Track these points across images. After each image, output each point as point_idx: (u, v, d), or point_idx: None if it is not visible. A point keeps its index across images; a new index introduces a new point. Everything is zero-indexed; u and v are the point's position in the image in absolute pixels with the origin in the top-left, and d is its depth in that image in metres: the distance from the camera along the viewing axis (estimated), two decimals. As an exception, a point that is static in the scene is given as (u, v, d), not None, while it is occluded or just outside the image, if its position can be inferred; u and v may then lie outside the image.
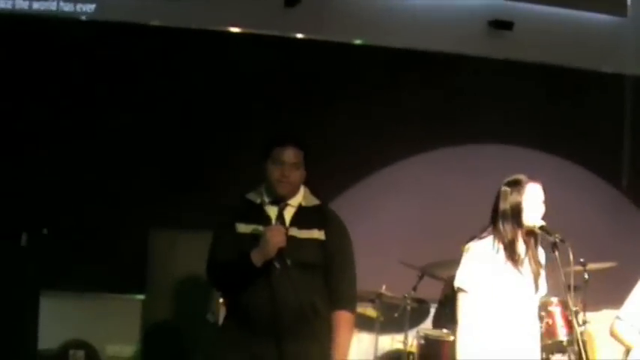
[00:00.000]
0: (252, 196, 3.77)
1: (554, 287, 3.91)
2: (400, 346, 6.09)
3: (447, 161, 6.86)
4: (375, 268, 6.24)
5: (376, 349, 6.00)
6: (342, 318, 3.73)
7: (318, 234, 3.71)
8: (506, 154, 7.02)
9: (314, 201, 3.82)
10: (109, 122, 6.08)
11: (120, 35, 6.15)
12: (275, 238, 3.54)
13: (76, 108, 6.10)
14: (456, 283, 3.86)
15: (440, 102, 6.88)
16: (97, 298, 5.97)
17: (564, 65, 7.20)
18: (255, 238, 3.60)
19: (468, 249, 3.89)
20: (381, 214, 6.64)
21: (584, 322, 5.58)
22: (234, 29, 6.44)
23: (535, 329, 3.88)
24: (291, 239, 3.60)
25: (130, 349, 5.93)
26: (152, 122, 6.21)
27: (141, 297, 5.99)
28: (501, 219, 3.82)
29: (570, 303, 3.53)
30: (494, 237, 3.82)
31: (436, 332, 5.76)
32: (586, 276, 5.55)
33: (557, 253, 3.65)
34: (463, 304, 3.82)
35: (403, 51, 6.79)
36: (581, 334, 5.38)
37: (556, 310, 5.28)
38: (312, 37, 6.60)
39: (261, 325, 3.60)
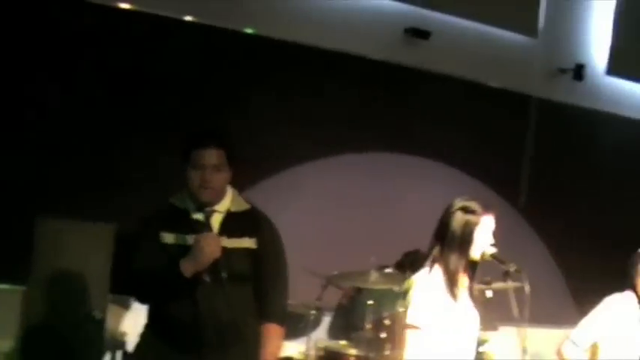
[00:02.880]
0: (177, 201, 3.47)
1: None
2: (292, 354, 5.94)
3: (355, 168, 6.68)
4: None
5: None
6: (273, 331, 3.52)
7: (248, 242, 3.46)
8: (411, 164, 6.95)
9: (243, 205, 3.54)
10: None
11: None
12: (209, 248, 3.26)
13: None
14: (408, 320, 3.65)
15: (349, 106, 6.71)
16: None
17: (474, 80, 7.19)
18: (182, 248, 3.31)
19: (415, 282, 3.67)
20: (281, 218, 6.38)
21: (484, 342, 5.57)
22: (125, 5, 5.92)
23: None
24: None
25: (6, 343, 5.47)
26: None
27: (22, 288, 5.53)
28: (448, 247, 3.62)
29: (522, 332, 3.39)
30: (439, 266, 3.63)
31: (336, 344, 5.61)
32: (489, 294, 5.51)
33: (509, 281, 3.52)
34: (414, 341, 3.63)
35: (316, 50, 6.56)
36: (482, 353, 5.40)
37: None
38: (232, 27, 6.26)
39: (187, 341, 3.33)
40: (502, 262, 3.57)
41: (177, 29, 6.01)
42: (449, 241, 3.61)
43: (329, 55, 6.58)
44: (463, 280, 3.66)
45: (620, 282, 4.65)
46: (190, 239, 3.32)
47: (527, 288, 3.41)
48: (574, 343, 4.35)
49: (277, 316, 3.56)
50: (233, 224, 3.45)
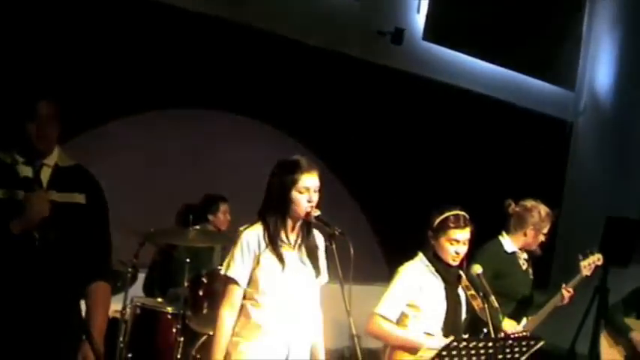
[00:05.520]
0: (1, 155, 3.31)
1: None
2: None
3: (173, 124, 6.56)
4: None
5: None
6: (103, 289, 3.43)
7: (79, 197, 3.36)
8: (230, 122, 6.91)
9: (70, 161, 3.43)
10: None
11: None
12: (37, 207, 3.16)
13: None
14: (225, 272, 3.63)
15: (170, 61, 6.55)
16: None
17: (296, 39, 7.19)
18: (14, 204, 3.17)
19: (240, 234, 3.65)
20: (96, 173, 6.15)
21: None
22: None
23: (313, 317, 3.73)
24: (50, 204, 3.22)
25: None
26: None
27: None
28: (266, 206, 3.63)
29: (345, 297, 3.39)
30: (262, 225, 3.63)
31: (152, 301, 5.52)
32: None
33: (334, 245, 3.53)
34: (233, 294, 3.61)
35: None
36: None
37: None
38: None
39: (16, 303, 3.17)
40: (326, 224, 3.57)
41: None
42: (267, 200, 3.63)
43: (149, 4, 6.38)
44: (291, 239, 3.66)
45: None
46: (21, 194, 3.21)
47: (351, 251, 3.42)
48: (383, 317, 4.16)
49: (106, 273, 3.50)
50: (62, 179, 3.36)
